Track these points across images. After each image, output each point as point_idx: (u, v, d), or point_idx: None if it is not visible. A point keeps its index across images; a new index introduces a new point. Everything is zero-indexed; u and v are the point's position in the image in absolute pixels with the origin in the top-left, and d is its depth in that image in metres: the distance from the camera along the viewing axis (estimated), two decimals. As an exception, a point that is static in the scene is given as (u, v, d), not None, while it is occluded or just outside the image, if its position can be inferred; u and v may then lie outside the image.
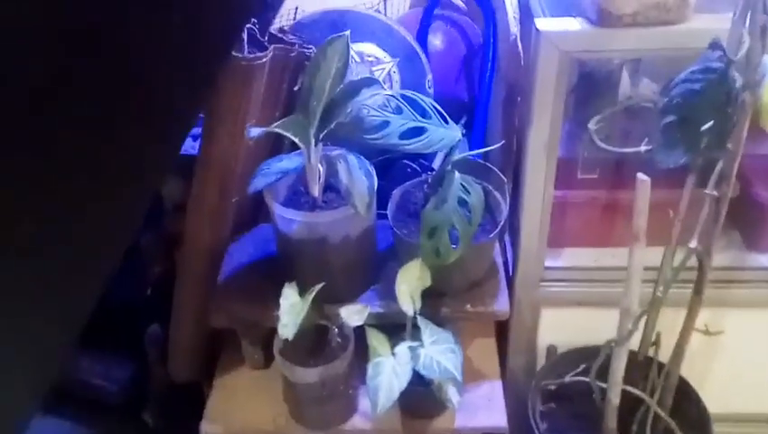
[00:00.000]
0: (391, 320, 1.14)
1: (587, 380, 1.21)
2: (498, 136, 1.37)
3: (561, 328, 1.41)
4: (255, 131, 0.96)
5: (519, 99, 1.20)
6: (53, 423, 1.51)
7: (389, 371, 0.99)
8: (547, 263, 1.31)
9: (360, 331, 1.08)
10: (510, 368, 1.43)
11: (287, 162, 1.09)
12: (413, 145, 0.96)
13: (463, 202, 1.01)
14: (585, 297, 1.34)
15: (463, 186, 1.00)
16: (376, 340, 1.01)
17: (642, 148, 0.98)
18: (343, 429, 1.16)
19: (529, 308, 1.36)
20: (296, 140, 1.02)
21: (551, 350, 1.43)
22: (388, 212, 1.16)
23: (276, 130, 0.97)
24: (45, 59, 0.62)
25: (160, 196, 1.49)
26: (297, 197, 1.15)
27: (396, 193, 1.20)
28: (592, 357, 1.39)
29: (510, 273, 1.33)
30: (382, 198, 1.16)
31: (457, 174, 1.00)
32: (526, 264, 1.29)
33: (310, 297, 1.03)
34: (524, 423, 1.31)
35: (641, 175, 0.93)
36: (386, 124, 0.97)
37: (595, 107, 1.15)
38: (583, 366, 1.27)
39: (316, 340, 1.13)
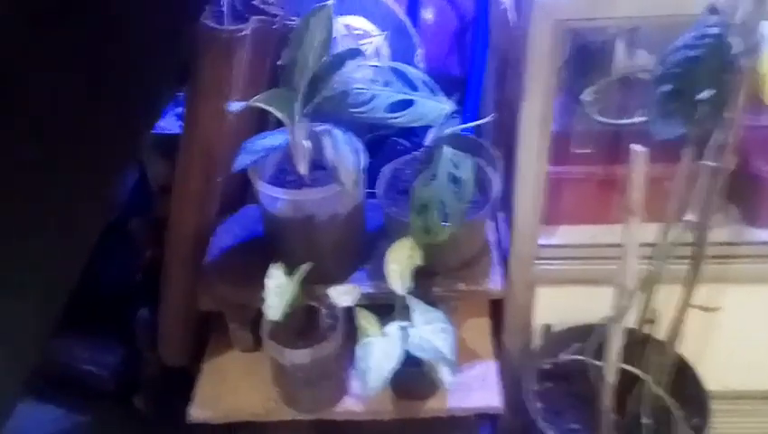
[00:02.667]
0: (382, 300, 1.12)
1: (583, 358, 1.19)
2: (491, 110, 1.34)
3: (556, 307, 1.38)
4: (236, 105, 0.92)
5: (510, 71, 1.16)
6: (44, 410, 1.49)
7: (379, 351, 0.96)
8: (542, 241, 1.28)
9: (350, 313, 1.06)
10: (506, 348, 1.41)
11: (272, 139, 1.06)
12: (400, 118, 0.93)
13: (453, 178, 0.98)
14: (581, 274, 1.31)
15: (453, 162, 0.97)
16: (365, 320, 0.98)
17: (637, 120, 0.95)
18: (335, 410, 1.14)
19: (523, 287, 1.33)
20: (280, 116, 0.98)
21: (546, 329, 1.40)
22: (377, 189, 1.13)
23: (258, 104, 0.94)
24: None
25: (146, 179, 1.46)
26: (284, 175, 1.12)
27: (385, 171, 1.17)
28: (587, 335, 1.36)
29: (505, 251, 1.30)
30: (372, 177, 1.13)
31: (447, 149, 0.97)
32: (520, 242, 1.25)
33: (297, 277, 1.00)
34: (520, 403, 1.29)
35: (635, 147, 0.90)
36: (372, 97, 0.94)
37: (590, 79, 1.12)
38: (578, 345, 1.25)
39: (305, 322, 1.10)
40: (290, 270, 1.07)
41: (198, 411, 1.16)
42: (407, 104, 0.94)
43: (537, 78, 1.05)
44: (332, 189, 1.01)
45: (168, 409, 1.43)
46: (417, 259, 1.02)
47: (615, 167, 1.23)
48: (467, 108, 1.36)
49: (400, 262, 1.02)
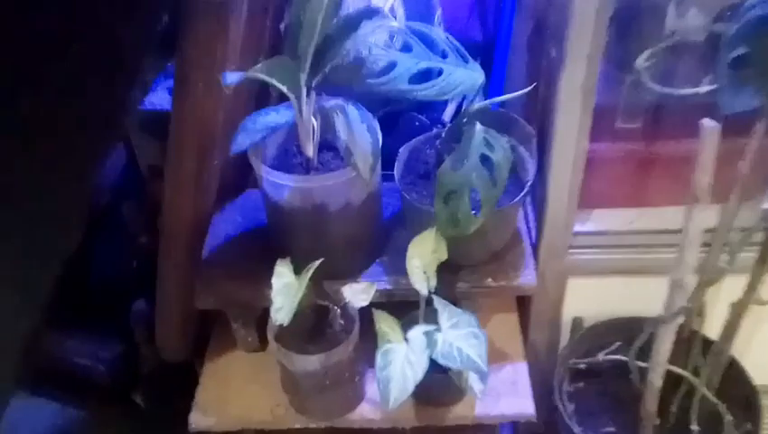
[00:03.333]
0: (402, 298, 1.00)
1: (625, 359, 1.07)
2: (520, 81, 1.20)
3: (588, 299, 1.26)
4: (231, 77, 0.79)
5: (547, 35, 1.02)
6: (41, 404, 1.41)
7: (402, 359, 0.84)
8: (576, 228, 1.15)
9: (365, 309, 0.93)
10: (531, 342, 1.28)
11: (275, 116, 0.93)
12: (426, 91, 0.79)
13: (484, 160, 0.85)
14: (618, 264, 1.18)
15: (487, 141, 0.83)
16: (385, 324, 0.86)
17: (703, 89, 0.82)
18: (350, 418, 1.02)
19: (554, 279, 1.20)
20: (284, 89, 0.85)
21: (577, 323, 1.28)
22: (394, 172, 1.00)
23: (258, 76, 0.80)
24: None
25: (135, 161, 1.33)
26: (289, 158, 0.98)
27: (403, 151, 1.03)
28: (622, 331, 1.25)
29: (533, 240, 1.17)
30: (387, 157, 0.99)
31: (479, 126, 0.84)
32: (552, 230, 1.13)
33: (307, 275, 0.87)
34: (547, 403, 1.17)
35: (707, 122, 0.76)
36: (392, 65, 0.80)
37: (638, 44, 0.98)
38: (617, 344, 1.12)
39: (316, 322, 0.98)
40: (297, 266, 0.95)
41: (200, 419, 1.04)
42: (432, 73, 0.81)
43: (580, 40, 0.91)
44: (344, 174, 0.88)
45: (168, 404, 1.35)
46: (443, 254, 0.90)
47: (664, 144, 1.10)
48: (493, 77, 1.22)
49: (424, 257, 0.89)
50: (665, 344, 0.96)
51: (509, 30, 1.19)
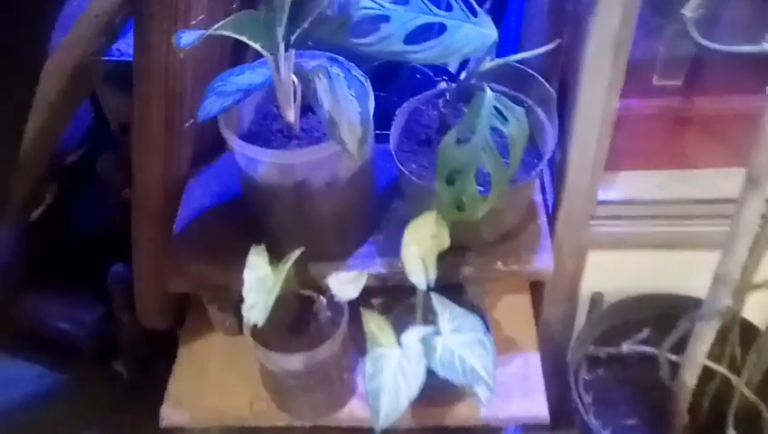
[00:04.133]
0: (398, 283, 0.87)
1: (651, 351, 0.95)
2: (540, 26, 1.04)
3: (610, 273, 1.13)
4: (188, 36, 0.64)
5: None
6: (22, 366, 1.33)
7: (394, 367, 0.72)
8: (600, 196, 1.01)
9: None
10: (544, 320, 1.16)
11: (250, 75, 0.79)
12: (425, 52, 0.64)
13: (495, 132, 0.71)
14: (646, 238, 1.05)
15: (498, 110, 0.69)
16: (376, 325, 0.73)
17: (767, 47, 0.66)
18: (338, 417, 0.91)
19: (572, 252, 1.07)
20: (257, 46, 0.70)
21: (596, 299, 1.15)
22: (390, 138, 0.86)
23: (223, 33, 0.66)
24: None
25: (104, 117, 1.20)
26: (268, 122, 0.85)
27: (401, 113, 0.89)
28: (649, 310, 1.12)
29: (551, 209, 1.04)
30: (383, 115, 0.85)
31: (489, 93, 0.69)
32: (572, 199, 0.99)
33: (285, 267, 0.74)
34: (561, 390, 1.06)
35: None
36: (383, 20, 0.64)
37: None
38: (646, 332, 1.00)
39: (300, 310, 0.86)
40: (277, 249, 0.82)
41: (172, 413, 0.94)
42: (432, 29, 0.65)
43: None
44: (328, 148, 0.74)
45: (150, 373, 1.27)
46: (444, 240, 0.76)
47: (706, 101, 0.95)
48: (506, 21, 1.06)
49: (422, 243, 0.76)
50: (704, 343, 0.83)
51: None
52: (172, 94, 0.89)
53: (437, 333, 0.72)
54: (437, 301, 0.74)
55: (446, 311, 0.73)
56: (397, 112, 0.89)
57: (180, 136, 0.97)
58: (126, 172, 1.23)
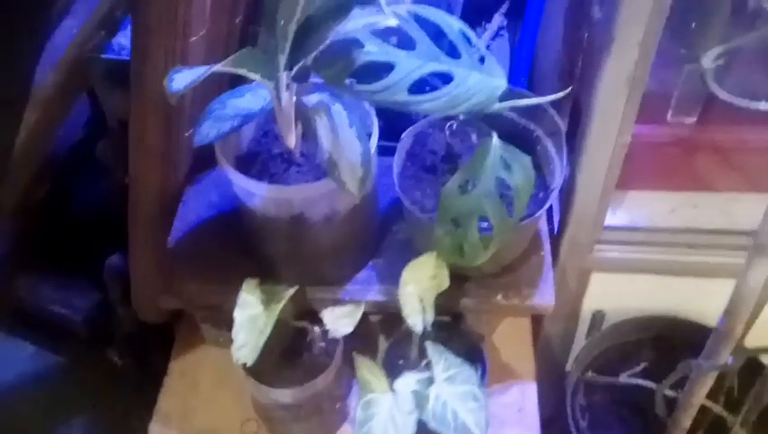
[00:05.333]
0: (396, 310, 0.85)
1: (648, 385, 0.93)
2: (554, 43, 1.00)
3: (612, 292, 1.11)
4: (180, 80, 0.61)
5: (592, 4, 0.82)
6: (18, 346, 1.34)
7: (385, 417, 0.70)
8: (606, 221, 0.98)
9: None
10: (545, 335, 1.15)
11: (250, 99, 0.76)
12: (430, 103, 0.61)
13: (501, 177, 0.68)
14: (650, 264, 1.03)
15: (504, 160, 0.66)
16: (368, 371, 0.72)
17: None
18: (330, 441, 0.91)
19: (576, 274, 1.05)
20: (256, 77, 0.67)
21: (597, 317, 1.14)
22: (394, 166, 0.83)
23: (224, 70, 0.63)
24: None
25: (102, 113, 1.17)
26: (268, 142, 0.82)
27: (407, 136, 0.86)
28: (647, 330, 1.11)
29: (556, 230, 1.01)
30: (390, 128, 0.82)
31: (495, 141, 0.66)
32: (578, 226, 0.96)
33: (278, 306, 0.73)
34: (556, 407, 1.05)
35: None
36: (388, 68, 0.61)
37: (705, 35, 0.78)
38: (643, 365, 0.98)
39: (293, 338, 0.84)
40: (273, 274, 0.80)
41: (161, 430, 0.93)
42: (440, 78, 0.62)
43: (633, 18, 0.71)
44: (327, 184, 0.71)
45: (145, 364, 1.27)
46: (444, 281, 0.74)
47: (722, 134, 0.92)
48: (524, 29, 1.01)
49: (421, 284, 0.74)
50: (701, 389, 0.82)
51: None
52: (169, 109, 0.86)
53: (431, 381, 0.71)
54: (432, 349, 0.72)
55: (441, 360, 0.71)
56: (403, 135, 0.86)
57: (178, 145, 0.94)
58: (125, 158, 1.22)
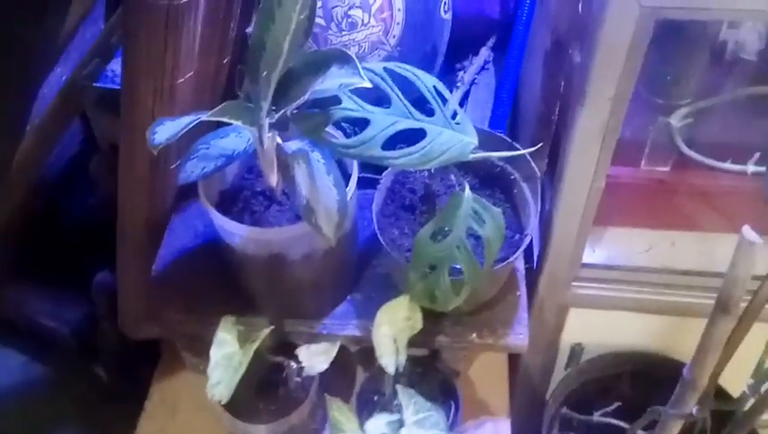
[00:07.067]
0: (371, 344, 0.87)
1: (621, 425, 0.95)
2: (534, 85, 1.02)
3: (590, 326, 1.13)
4: (163, 132, 0.63)
5: (570, 54, 0.84)
6: (7, 355, 1.34)
7: (356, 455, 0.72)
8: (584, 258, 1.00)
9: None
10: (524, 365, 1.17)
11: (235, 139, 0.77)
12: (403, 159, 0.63)
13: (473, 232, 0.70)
14: (627, 302, 1.04)
15: (475, 211, 0.68)
16: (340, 413, 0.74)
17: (750, 169, 0.65)
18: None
19: (554, 310, 1.07)
20: (238, 123, 0.69)
21: (576, 349, 1.16)
22: (373, 205, 0.85)
23: (209, 118, 0.65)
24: None
25: (93, 137, 1.19)
26: (252, 179, 0.84)
27: (387, 175, 0.88)
28: (625, 364, 1.13)
29: (535, 265, 1.03)
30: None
31: (468, 194, 0.68)
32: (556, 263, 0.98)
33: (253, 346, 0.74)
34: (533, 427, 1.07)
35: (747, 232, 0.60)
36: (363, 123, 0.63)
37: (682, 69, 0.80)
38: (616, 404, 1.00)
39: (269, 371, 0.86)
40: (251, 307, 0.82)
41: (141, 455, 0.95)
42: (413, 135, 0.64)
43: (606, 76, 0.74)
44: (305, 226, 0.73)
45: (130, 379, 1.28)
46: (418, 323, 0.77)
47: (695, 180, 0.94)
48: (508, 63, 1.03)
49: (394, 325, 0.76)
50: (672, 432, 0.84)
51: (531, 8, 1.01)
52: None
53: (401, 424, 0.73)
54: (402, 393, 0.74)
55: (411, 403, 0.73)
56: (384, 174, 0.88)
57: (166, 175, 0.96)
58: (116, 175, 1.24)
